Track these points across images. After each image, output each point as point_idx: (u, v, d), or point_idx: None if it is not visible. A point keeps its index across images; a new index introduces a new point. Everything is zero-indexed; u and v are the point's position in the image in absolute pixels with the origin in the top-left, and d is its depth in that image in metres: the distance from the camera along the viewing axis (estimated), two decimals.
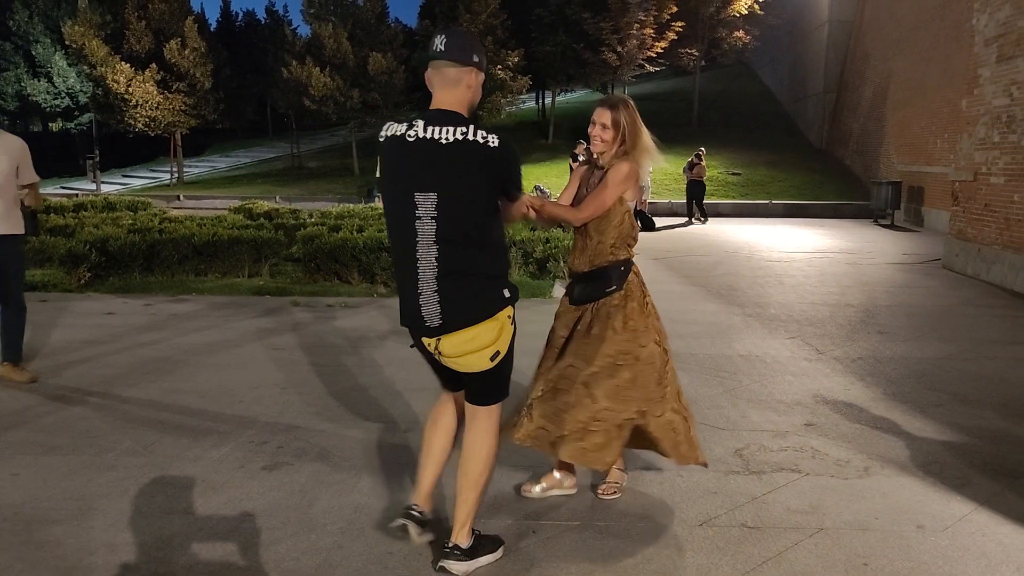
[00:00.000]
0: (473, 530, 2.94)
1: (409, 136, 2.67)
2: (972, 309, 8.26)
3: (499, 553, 3.00)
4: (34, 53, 39.35)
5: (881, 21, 22.12)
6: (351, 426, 4.45)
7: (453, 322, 2.69)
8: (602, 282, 3.34)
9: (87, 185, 31.49)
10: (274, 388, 5.16)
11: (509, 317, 2.81)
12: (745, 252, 12.90)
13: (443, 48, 2.69)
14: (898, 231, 16.84)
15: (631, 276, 3.40)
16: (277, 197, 23.48)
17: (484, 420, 2.91)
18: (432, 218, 2.64)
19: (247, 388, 5.16)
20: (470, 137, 2.62)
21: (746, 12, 30.33)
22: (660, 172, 24.18)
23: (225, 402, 4.86)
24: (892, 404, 4.96)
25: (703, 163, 18.82)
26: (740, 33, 31.53)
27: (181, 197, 26.10)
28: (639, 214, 16.78)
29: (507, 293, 2.79)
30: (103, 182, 32.13)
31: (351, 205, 16.10)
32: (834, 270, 10.85)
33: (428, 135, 2.64)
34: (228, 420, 4.52)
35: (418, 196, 2.64)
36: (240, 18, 51.40)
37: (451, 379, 2.98)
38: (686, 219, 18.71)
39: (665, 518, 3.37)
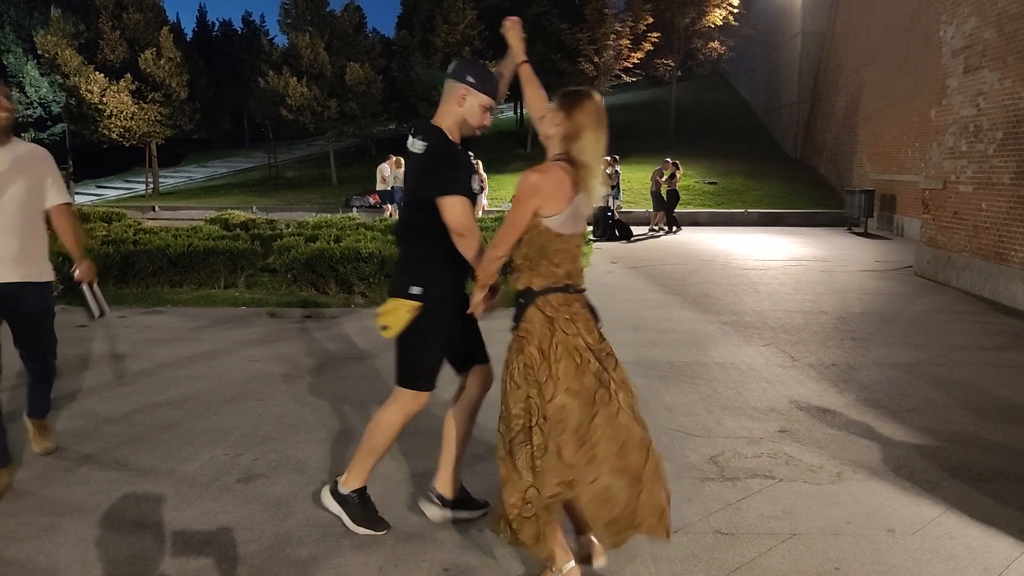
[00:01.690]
0: (360, 489, 3.26)
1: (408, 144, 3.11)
2: (943, 315, 8.38)
3: (363, 529, 3.24)
4: (5, 63, 38.96)
5: (853, 32, 22.46)
6: (327, 438, 4.43)
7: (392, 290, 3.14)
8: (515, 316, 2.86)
9: None
10: (249, 400, 5.13)
11: (408, 310, 3.05)
12: (721, 260, 13.01)
13: (450, 70, 3.12)
14: (871, 239, 17.06)
15: (531, 312, 2.76)
16: (254, 207, 23.37)
17: (394, 399, 3.24)
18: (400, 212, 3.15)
19: (222, 400, 5.12)
20: (414, 147, 3.05)
21: (721, 23, 30.72)
22: (638, 181, 24.38)
23: (199, 414, 4.83)
24: (864, 409, 5.03)
25: (678, 172, 18.73)
26: (715, 44, 31.92)
27: (156, 208, 25.89)
28: (617, 223, 16.85)
29: (414, 290, 3.05)
30: (77, 193, 31.84)
31: (328, 215, 16.05)
32: (808, 278, 10.97)
33: (408, 144, 3.10)
34: (202, 433, 4.49)
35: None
36: (216, 28, 51.29)
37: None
38: (662, 228, 18.66)
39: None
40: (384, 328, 3.08)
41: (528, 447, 2.67)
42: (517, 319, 2.79)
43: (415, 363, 3.17)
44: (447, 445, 3.33)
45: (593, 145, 2.73)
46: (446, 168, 2.98)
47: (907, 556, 3.15)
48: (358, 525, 3.24)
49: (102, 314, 4.18)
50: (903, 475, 3.96)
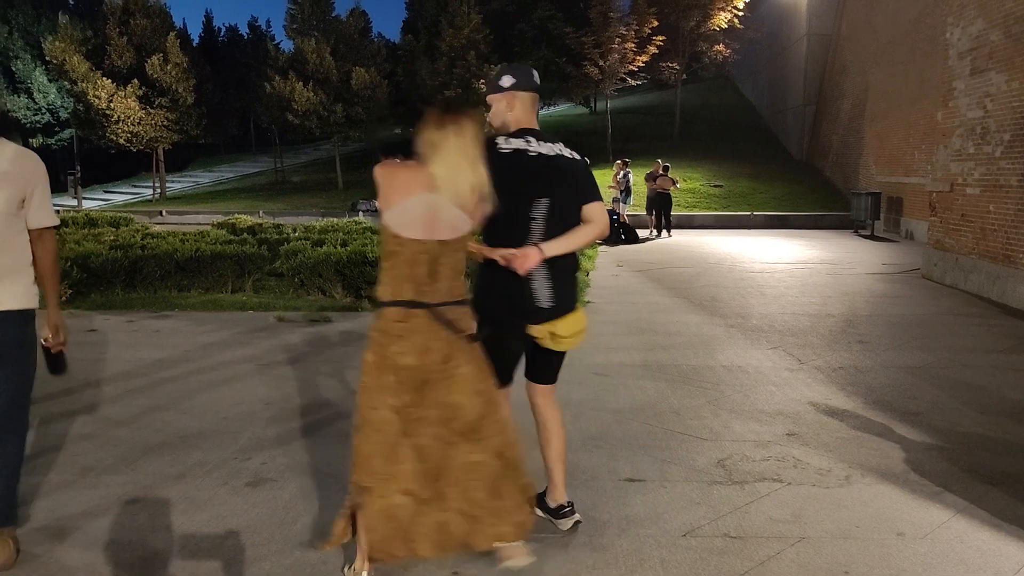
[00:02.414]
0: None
1: (530, 152, 3.06)
2: (950, 318, 8.36)
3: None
4: (14, 69, 39.15)
5: (859, 34, 22.43)
6: (335, 441, 4.44)
7: (563, 307, 3.12)
8: None
9: (68, 201, 31.32)
10: (258, 404, 5.15)
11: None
12: (727, 263, 13.00)
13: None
14: (878, 241, 17.02)
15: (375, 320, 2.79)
16: (260, 212, 23.43)
17: (552, 393, 3.37)
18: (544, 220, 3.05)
19: (230, 404, 5.14)
20: (565, 153, 3.13)
21: (726, 26, 30.69)
22: (642, 184, 24.35)
23: (208, 419, 4.84)
24: (872, 413, 5.02)
25: (667, 175, 18.63)
26: (720, 47, 31.88)
27: (163, 213, 26.00)
28: (623, 227, 16.84)
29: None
30: (84, 198, 31.97)
31: (335, 219, 16.07)
32: (815, 280, 10.95)
33: (550, 150, 3.10)
34: (212, 437, 4.51)
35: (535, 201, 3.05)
36: (223, 33, 51.41)
37: (511, 368, 3.22)
38: (652, 231, 18.57)
39: (649, 529, 3.39)
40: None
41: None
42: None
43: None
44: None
45: (440, 145, 2.65)
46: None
47: (917, 560, 3.14)
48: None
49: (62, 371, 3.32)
50: (912, 478, 3.95)
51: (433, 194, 2.64)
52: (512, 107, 3.13)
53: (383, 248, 2.73)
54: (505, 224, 2.99)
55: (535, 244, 2.96)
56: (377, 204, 2.71)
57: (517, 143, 3.05)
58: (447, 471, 2.72)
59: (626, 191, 18.05)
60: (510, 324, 3.08)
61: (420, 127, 2.71)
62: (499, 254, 2.92)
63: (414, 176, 2.66)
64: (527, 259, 2.89)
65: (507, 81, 3.13)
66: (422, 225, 2.64)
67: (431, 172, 2.63)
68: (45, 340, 3.17)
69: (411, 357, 2.67)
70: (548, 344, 3.13)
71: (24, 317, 3.16)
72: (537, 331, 3.09)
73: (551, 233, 3.02)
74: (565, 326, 3.10)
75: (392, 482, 2.67)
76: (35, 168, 3.13)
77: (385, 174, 2.68)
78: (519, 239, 3.00)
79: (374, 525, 2.69)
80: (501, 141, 3.05)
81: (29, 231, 3.15)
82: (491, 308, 3.05)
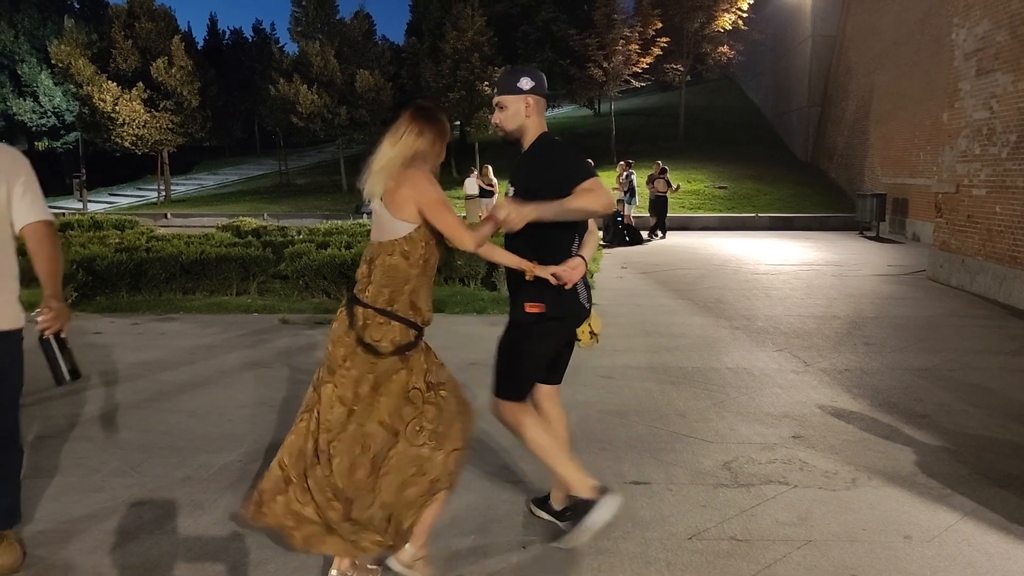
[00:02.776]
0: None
1: None
2: (957, 320, 8.33)
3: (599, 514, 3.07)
4: (20, 72, 39.32)
5: (863, 36, 22.40)
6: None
7: (591, 305, 3.22)
8: None
9: (73, 204, 31.42)
10: (263, 406, 5.15)
11: None
12: (732, 265, 12.97)
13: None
14: (883, 243, 16.98)
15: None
16: (265, 214, 23.47)
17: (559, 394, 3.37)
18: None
19: (235, 407, 5.14)
20: None
21: (730, 27, 30.70)
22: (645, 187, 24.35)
23: (213, 421, 4.84)
24: (879, 415, 5.00)
25: (664, 178, 18.59)
26: (724, 48, 31.89)
27: (168, 215, 26.06)
28: (627, 228, 16.82)
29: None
30: (90, 201, 32.07)
31: (339, 222, 16.10)
32: (820, 282, 10.92)
33: None
34: (216, 439, 4.51)
35: None
36: (227, 36, 51.56)
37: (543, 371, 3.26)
38: (648, 233, 18.52)
39: (655, 532, 3.38)
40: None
41: None
42: None
43: None
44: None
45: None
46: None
47: (924, 563, 3.12)
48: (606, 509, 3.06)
49: (75, 376, 2.92)
50: (919, 481, 3.93)
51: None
52: (530, 110, 3.08)
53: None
54: (556, 227, 3.00)
55: (580, 255, 3.06)
56: None
57: None
58: (311, 466, 2.68)
59: (630, 192, 18.03)
60: (567, 325, 3.15)
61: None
62: (550, 272, 2.92)
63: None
64: (576, 271, 2.97)
65: (526, 83, 3.06)
66: (374, 227, 2.77)
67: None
68: (42, 327, 2.80)
69: (328, 342, 2.80)
70: (585, 343, 3.23)
71: (17, 338, 2.90)
72: (580, 330, 3.20)
73: (581, 234, 3.15)
74: (597, 323, 3.25)
75: (280, 449, 2.76)
76: (14, 162, 2.81)
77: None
78: (567, 241, 3.10)
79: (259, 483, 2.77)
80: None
81: (21, 231, 2.82)
82: (553, 309, 3.04)
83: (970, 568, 3.09)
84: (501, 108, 3.09)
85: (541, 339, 3.10)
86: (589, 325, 3.22)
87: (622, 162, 19.17)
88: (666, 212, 18.62)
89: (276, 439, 4.50)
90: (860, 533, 3.37)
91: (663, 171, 18.57)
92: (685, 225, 20.34)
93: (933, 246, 11.48)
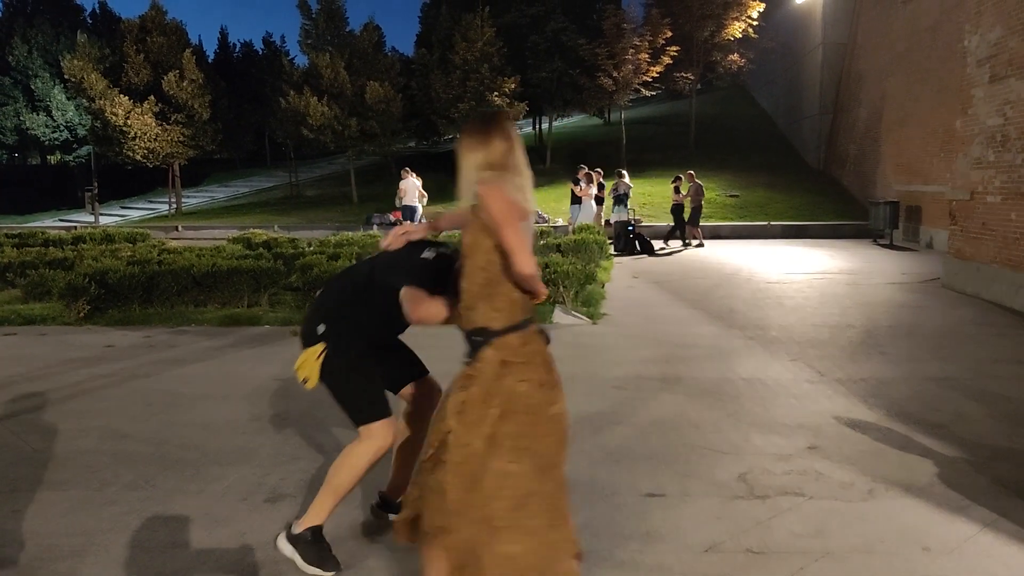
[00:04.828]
0: (315, 528, 3.13)
1: None
2: (972, 328, 8.26)
3: (313, 569, 3.08)
4: (33, 87, 39.72)
5: (874, 43, 22.34)
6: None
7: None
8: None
9: (86, 217, 31.64)
10: (276, 419, 5.15)
11: (315, 355, 3.03)
12: (744, 274, 12.92)
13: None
14: (897, 250, 16.88)
15: (489, 353, 2.51)
16: (275, 226, 23.56)
17: (360, 438, 3.14)
18: None
19: (248, 419, 5.14)
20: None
21: (740, 35, 30.68)
22: (659, 195, 24.34)
23: (226, 434, 4.85)
24: (895, 425, 4.95)
25: (675, 186, 18.56)
26: (735, 56, 31.87)
27: (180, 228, 26.20)
28: (639, 237, 16.78)
29: (319, 330, 3.06)
30: (102, 214, 32.27)
31: (350, 233, 16.15)
32: (834, 291, 10.86)
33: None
34: (230, 452, 4.51)
35: None
36: (238, 49, 51.98)
37: None
38: (682, 243, 18.59)
39: (670, 544, 3.35)
40: (304, 381, 3.04)
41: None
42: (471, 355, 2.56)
43: (356, 400, 3.12)
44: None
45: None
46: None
47: (943, 575, 3.08)
48: (308, 565, 3.08)
49: None
50: (937, 491, 3.89)
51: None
52: None
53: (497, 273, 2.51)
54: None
55: None
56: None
57: None
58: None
59: (617, 199, 17.98)
60: None
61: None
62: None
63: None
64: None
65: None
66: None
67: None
68: None
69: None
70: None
71: None
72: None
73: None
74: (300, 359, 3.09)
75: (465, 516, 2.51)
76: None
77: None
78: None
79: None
80: None
81: None
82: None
83: None
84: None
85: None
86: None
87: (588, 170, 18.96)
88: (682, 220, 18.57)
89: (289, 451, 4.50)
90: (878, 545, 3.33)
91: (677, 179, 18.58)
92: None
93: (947, 253, 11.40)
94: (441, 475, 2.46)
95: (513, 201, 2.44)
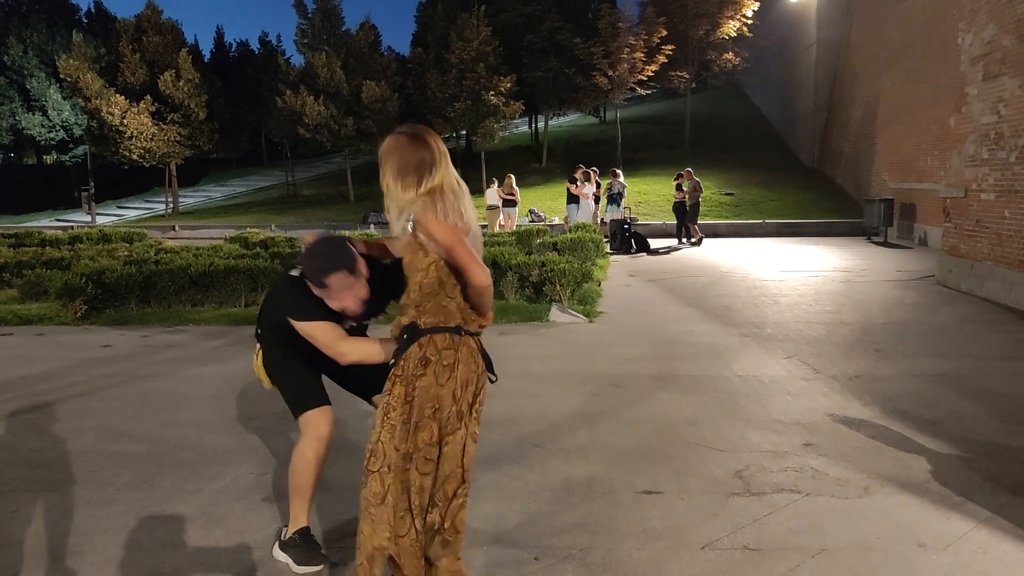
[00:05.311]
0: (301, 529, 3.18)
1: None
2: (967, 325, 8.29)
3: (304, 568, 3.11)
4: (29, 87, 39.62)
5: (868, 41, 22.39)
6: (350, 455, 4.43)
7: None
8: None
9: (82, 217, 31.59)
10: (273, 418, 5.15)
11: (256, 354, 3.27)
12: (739, 272, 12.94)
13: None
14: (891, 248, 16.92)
15: (413, 349, 2.54)
16: (272, 226, 23.55)
17: (300, 435, 3.21)
18: None
19: (246, 419, 5.15)
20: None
21: (735, 34, 30.71)
22: (655, 193, 24.38)
23: (224, 433, 4.85)
24: (890, 422, 4.97)
25: (681, 184, 18.60)
26: (730, 55, 31.90)
27: (176, 227, 26.17)
28: (635, 236, 16.80)
29: (257, 332, 3.27)
30: (98, 214, 32.20)
31: (347, 232, 16.14)
32: (829, 288, 10.89)
33: None
34: (227, 451, 4.52)
35: None
36: (234, 49, 51.94)
37: None
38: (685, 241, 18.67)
39: (667, 542, 3.36)
40: (261, 382, 3.26)
41: (362, 489, 2.59)
42: (397, 355, 2.58)
43: (289, 391, 3.19)
44: None
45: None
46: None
47: (939, 571, 3.10)
48: (300, 566, 3.11)
49: None
50: (932, 488, 3.91)
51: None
52: None
53: (450, 278, 2.56)
54: None
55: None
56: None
57: None
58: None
59: (611, 198, 18.02)
60: None
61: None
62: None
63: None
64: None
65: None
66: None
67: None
68: None
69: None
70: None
71: None
72: None
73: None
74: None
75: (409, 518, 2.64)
76: None
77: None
78: None
79: (405, 564, 2.65)
80: None
81: None
82: None
83: None
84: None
85: None
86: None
87: (585, 169, 19.04)
88: (684, 217, 18.61)
89: (286, 450, 4.50)
90: (874, 541, 3.35)
91: (677, 176, 18.66)
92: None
93: (942, 251, 11.44)
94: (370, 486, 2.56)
95: (452, 224, 2.46)
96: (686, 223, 18.51)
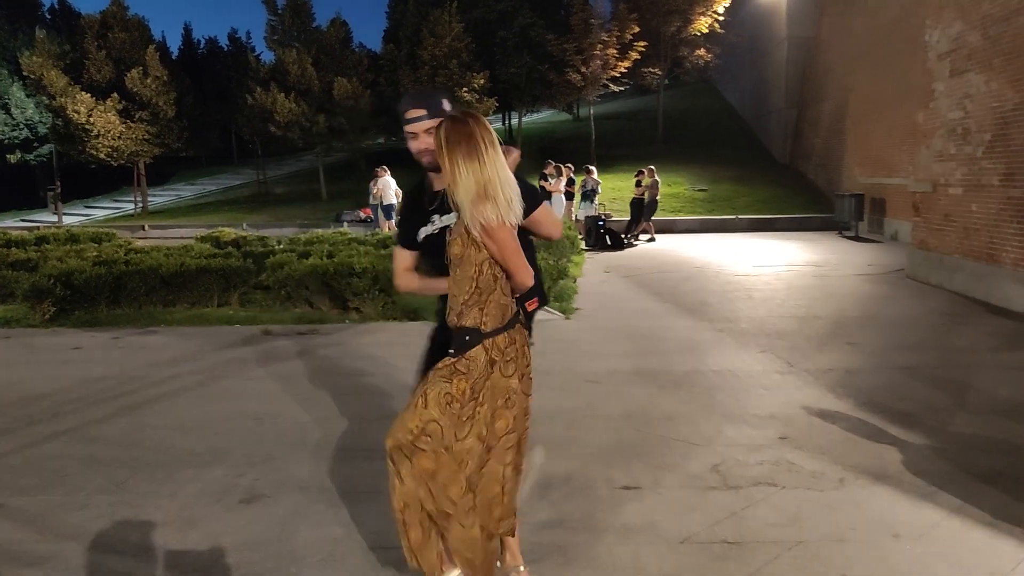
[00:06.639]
0: None
1: None
2: (937, 318, 8.42)
3: None
4: None
5: (838, 37, 22.63)
6: (328, 456, 4.41)
7: None
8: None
9: (48, 217, 31.03)
10: (248, 419, 5.10)
11: None
12: (714, 267, 13.04)
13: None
14: (862, 242, 17.14)
15: (478, 352, 2.64)
16: (244, 224, 23.31)
17: None
18: None
19: (221, 420, 5.09)
20: None
21: (707, 31, 30.88)
22: (628, 190, 24.46)
23: (199, 435, 4.79)
24: (864, 414, 5.04)
25: (641, 180, 18.62)
26: (702, 51, 32.08)
27: (146, 227, 25.80)
28: (609, 232, 16.86)
29: None
30: (65, 214, 31.67)
31: (320, 231, 16.03)
32: (802, 283, 11.00)
33: None
34: (203, 453, 4.46)
35: None
36: (202, 46, 51.26)
37: None
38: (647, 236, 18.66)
39: (645, 536, 3.38)
40: None
41: (410, 460, 2.63)
42: (459, 351, 2.63)
43: None
44: None
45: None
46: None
47: (913, 560, 3.15)
48: None
49: None
50: (906, 479, 3.97)
51: None
52: None
53: (502, 275, 2.64)
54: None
55: None
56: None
57: None
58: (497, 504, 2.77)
59: (585, 195, 18.05)
60: None
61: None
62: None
63: None
64: None
65: (448, 105, 2.92)
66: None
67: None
68: None
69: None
70: None
71: None
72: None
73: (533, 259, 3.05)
74: None
75: (472, 514, 2.70)
76: None
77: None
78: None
79: (458, 550, 2.73)
80: None
81: None
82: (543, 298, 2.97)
83: (957, 564, 3.12)
84: (431, 133, 2.76)
85: None
86: None
87: (556, 164, 19.03)
88: (639, 215, 18.53)
89: (263, 451, 4.47)
90: (849, 533, 3.39)
91: (639, 173, 18.69)
92: (665, 228, 20.40)
93: (911, 245, 11.61)
94: (419, 461, 2.61)
95: (511, 230, 2.57)
96: (642, 219, 18.49)
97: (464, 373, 2.61)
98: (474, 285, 2.60)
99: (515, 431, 2.72)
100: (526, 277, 2.64)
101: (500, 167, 2.56)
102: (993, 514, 3.54)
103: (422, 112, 2.87)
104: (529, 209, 2.73)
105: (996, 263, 9.18)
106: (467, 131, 2.53)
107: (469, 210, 2.51)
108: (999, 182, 9.11)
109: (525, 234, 2.82)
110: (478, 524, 2.66)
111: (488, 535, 2.70)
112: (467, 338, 2.61)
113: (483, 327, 2.61)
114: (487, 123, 2.62)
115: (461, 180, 2.50)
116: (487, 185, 2.51)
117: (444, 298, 2.79)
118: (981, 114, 9.47)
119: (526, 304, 2.76)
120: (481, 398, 2.62)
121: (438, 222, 2.88)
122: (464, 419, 2.60)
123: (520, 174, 2.81)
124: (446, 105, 2.90)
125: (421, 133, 2.86)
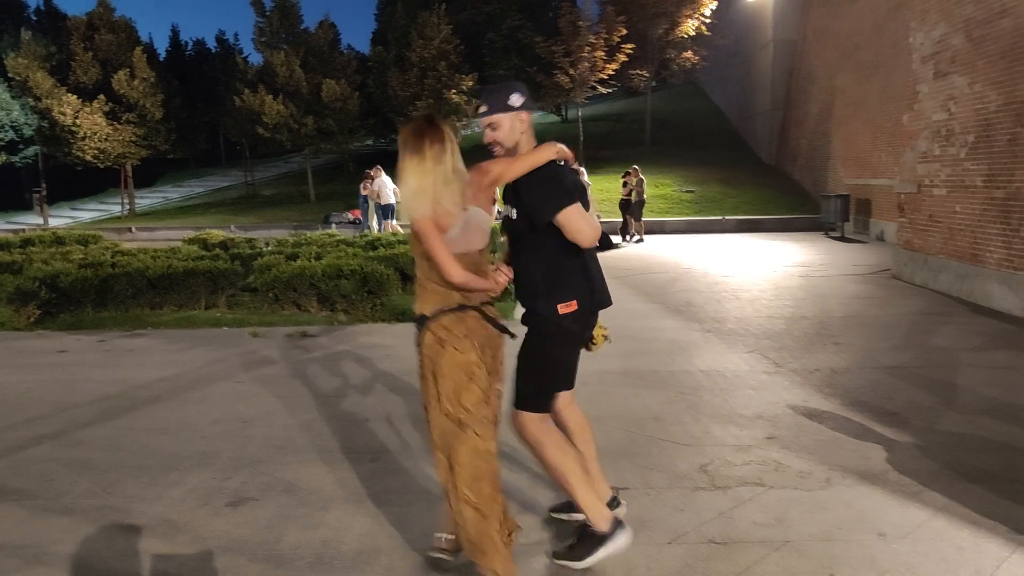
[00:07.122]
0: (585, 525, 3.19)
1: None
2: (922, 318, 8.48)
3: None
4: None
5: (823, 40, 22.76)
6: (315, 458, 4.40)
7: None
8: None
9: (34, 219, 30.80)
10: (236, 422, 5.08)
11: None
12: (701, 268, 13.08)
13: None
14: (848, 243, 17.23)
15: (427, 336, 2.89)
16: (232, 226, 23.22)
17: None
18: None
19: (208, 423, 5.07)
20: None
21: (694, 33, 31.00)
22: (615, 191, 24.50)
23: (185, 438, 4.77)
24: (851, 414, 5.07)
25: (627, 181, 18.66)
26: (689, 54, 32.21)
27: (133, 229, 25.66)
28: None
29: None
30: (51, 216, 31.45)
31: (308, 232, 15.98)
32: (788, 283, 11.06)
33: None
34: (189, 457, 4.44)
35: None
36: (190, 47, 51.10)
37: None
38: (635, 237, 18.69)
39: (634, 537, 3.38)
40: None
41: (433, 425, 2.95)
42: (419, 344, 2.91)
43: None
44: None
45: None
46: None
47: (899, 560, 3.17)
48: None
49: None
50: (892, 478, 3.99)
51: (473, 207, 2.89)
52: (524, 126, 3.06)
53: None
54: (564, 252, 3.05)
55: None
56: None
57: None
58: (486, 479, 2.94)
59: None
60: (591, 323, 3.21)
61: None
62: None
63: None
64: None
65: (517, 100, 3.01)
66: (470, 238, 2.89)
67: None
68: None
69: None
70: (599, 343, 3.29)
71: None
72: (597, 329, 3.26)
73: (591, 258, 3.22)
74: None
75: (455, 487, 2.92)
76: None
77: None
78: (577, 268, 3.09)
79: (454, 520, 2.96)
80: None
81: None
82: (587, 304, 3.09)
83: (944, 563, 3.14)
84: (494, 128, 3.02)
85: (568, 341, 3.11)
86: (600, 326, 3.27)
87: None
88: (628, 215, 18.60)
89: (250, 454, 4.45)
90: (836, 532, 3.41)
91: (625, 174, 18.71)
92: (652, 229, 20.47)
93: (897, 245, 11.68)
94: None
95: (432, 227, 2.73)
96: (631, 220, 18.52)
97: (421, 361, 2.91)
98: (419, 272, 2.89)
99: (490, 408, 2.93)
100: (450, 271, 2.74)
101: (443, 168, 2.74)
102: (979, 513, 3.57)
103: (485, 107, 3.03)
104: (543, 211, 2.93)
105: (980, 263, 9.25)
106: (417, 131, 2.77)
107: (405, 203, 2.75)
108: (982, 183, 9.19)
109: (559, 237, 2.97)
110: (461, 496, 2.81)
111: (476, 510, 2.82)
112: (417, 328, 2.89)
113: (424, 311, 2.87)
114: (444, 126, 2.80)
115: (403, 176, 2.74)
116: (422, 181, 2.70)
117: (516, 279, 3.07)
118: (965, 116, 9.55)
119: (559, 307, 3.00)
120: (443, 375, 2.82)
121: (504, 211, 3.11)
122: (432, 405, 2.87)
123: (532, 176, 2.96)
124: (513, 100, 3.01)
125: (486, 128, 3.04)
